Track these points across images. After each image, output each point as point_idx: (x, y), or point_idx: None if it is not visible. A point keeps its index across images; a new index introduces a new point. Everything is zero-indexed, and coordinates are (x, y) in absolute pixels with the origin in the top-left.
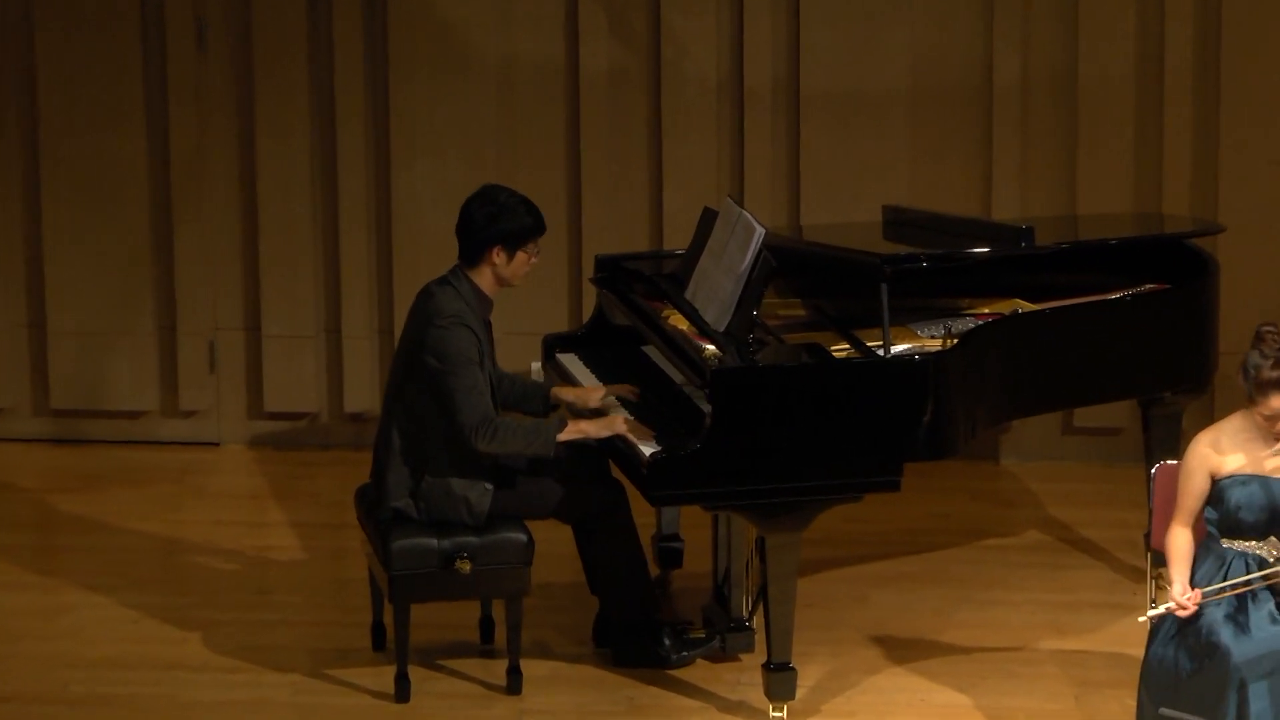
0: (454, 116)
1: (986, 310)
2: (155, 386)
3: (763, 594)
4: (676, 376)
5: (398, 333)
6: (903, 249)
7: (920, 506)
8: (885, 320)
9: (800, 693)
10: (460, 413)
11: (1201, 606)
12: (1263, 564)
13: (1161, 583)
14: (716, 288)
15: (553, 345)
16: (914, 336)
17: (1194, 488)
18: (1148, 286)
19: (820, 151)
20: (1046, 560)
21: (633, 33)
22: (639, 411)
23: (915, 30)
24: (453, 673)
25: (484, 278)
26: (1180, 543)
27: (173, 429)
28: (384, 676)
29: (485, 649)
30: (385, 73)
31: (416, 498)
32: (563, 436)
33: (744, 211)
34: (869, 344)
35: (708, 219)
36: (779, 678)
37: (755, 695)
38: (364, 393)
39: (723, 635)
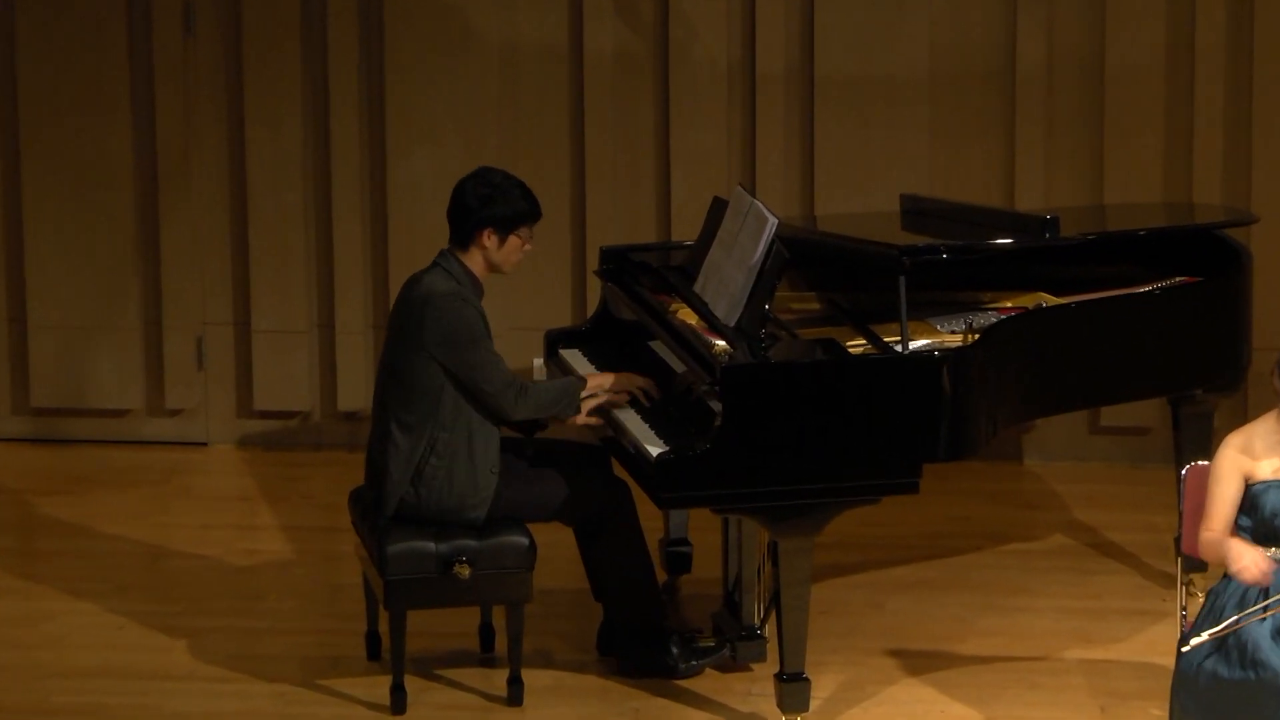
0: (453, 102)
1: (1009, 304)
2: (140, 384)
3: (775, 601)
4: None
5: None
6: (922, 240)
7: (939, 509)
8: (903, 315)
9: (814, 704)
10: (487, 383)
11: (1243, 620)
12: None
13: (1193, 590)
14: (727, 281)
15: (555, 341)
16: (933, 332)
17: (1228, 493)
18: (1178, 279)
19: (835, 138)
20: (1071, 565)
21: (640, 14)
22: (644, 409)
23: (935, 12)
24: (451, 683)
25: (475, 261)
26: (1216, 539)
27: (159, 428)
28: (379, 687)
29: (485, 658)
30: (381, 56)
31: (418, 484)
32: (585, 392)
33: (756, 201)
34: (886, 339)
35: (718, 209)
36: (792, 688)
37: (767, 706)
38: (358, 390)
39: (733, 644)
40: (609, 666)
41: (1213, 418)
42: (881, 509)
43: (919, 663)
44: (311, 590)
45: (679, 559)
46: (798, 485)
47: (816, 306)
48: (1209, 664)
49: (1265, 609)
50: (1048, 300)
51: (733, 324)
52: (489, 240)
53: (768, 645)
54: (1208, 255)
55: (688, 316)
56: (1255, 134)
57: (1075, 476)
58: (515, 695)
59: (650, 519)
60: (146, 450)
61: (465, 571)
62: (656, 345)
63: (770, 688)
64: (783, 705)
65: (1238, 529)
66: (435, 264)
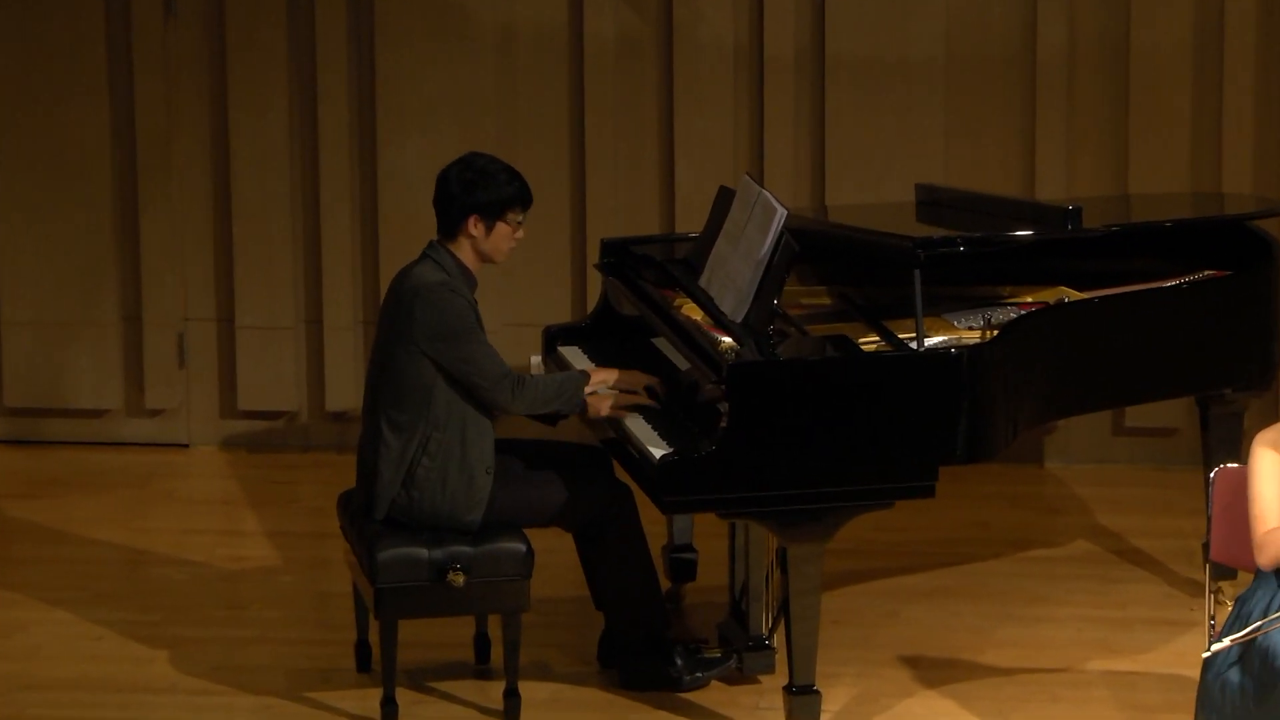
0: (447, 87)
1: (1029, 299)
2: (119, 383)
3: (784, 610)
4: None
5: None
6: (938, 232)
7: (957, 514)
8: (918, 310)
9: (825, 718)
10: (481, 376)
11: (1266, 626)
12: None
13: (1222, 598)
14: (733, 274)
15: (554, 337)
16: (950, 328)
17: (1272, 490)
18: (1206, 273)
19: (847, 125)
20: (1095, 573)
21: None
22: (647, 409)
23: None
24: (444, 696)
25: (464, 251)
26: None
27: (138, 429)
28: (369, 700)
29: (480, 669)
30: (371, 39)
31: (410, 487)
32: (589, 388)
33: (764, 191)
34: (900, 336)
35: (724, 199)
36: (802, 701)
37: None
38: (347, 390)
39: (740, 655)
40: (610, 679)
41: (1242, 418)
42: (896, 514)
43: (935, 675)
44: (298, 599)
45: (683, 566)
46: (807, 488)
47: (827, 301)
48: (1231, 674)
49: None
50: (1070, 295)
51: (739, 320)
52: (475, 228)
53: (776, 656)
54: (1237, 248)
55: (692, 312)
56: None
57: (1099, 480)
58: (512, 709)
59: (653, 524)
60: (125, 452)
61: (459, 579)
62: (660, 342)
63: (779, 701)
64: (792, 719)
65: None
66: (424, 255)
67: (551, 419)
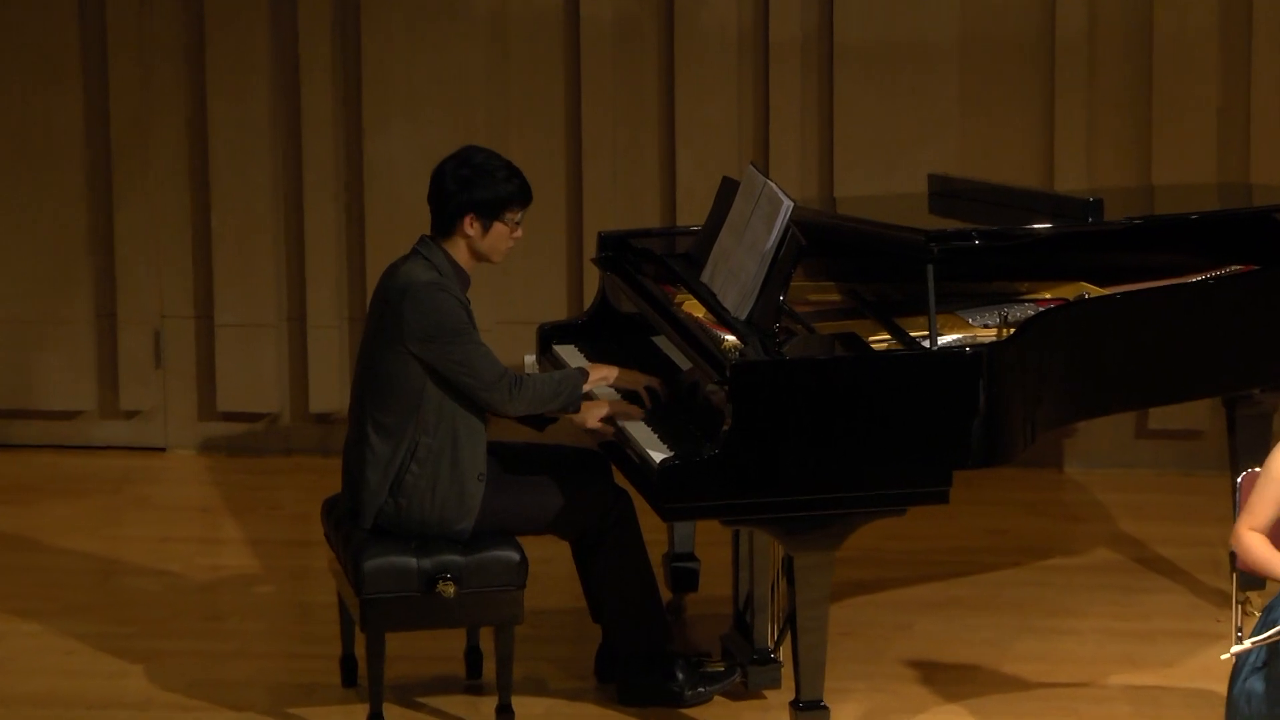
0: (436, 72)
1: (1048, 295)
2: (92, 383)
3: (790, 622)
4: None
5: None
6: (951, 224)
7: (972, 521)
8: (931, 307)
9: None
10: (475, 378)
11: None
12: None
13: (1249, 608)
14: (737, 269)
15: (549, 335)
16: (964, 325)
17: (1274, 495)
18: (1233, 268)
19: (857, 112)
20: (1117, 583)
21: None
22: (647, 411)
23: None
24: (434, 712)
25: (459, 250)
26: (1258, 540)
27: (112, 432)
28: (355, 716)
29: (471, 685)
30: (357, 21)
31: (397, 494)
32: (587, 386)
33: (769, 181)
34: (912, 334)
35: (727, 190)
36: (809, 718)
37: None
38: (331, 391)
39: (744, 669)
40: (608, 695)
41: (1271, 419)
42: (908, 521)
43: (949, 690)
44: (280, 610)
45: (685, 576)
46: (815, 494)
47: (836, 298)
48: (1254, 682)
49: None
50: (1090, 291)
51: (744, 317)
52: (472, 227)
53: (782, 671)
54: (1266, 241)
55: (694, 309)
56: None
57: (1121, 485)
58: None
59: (653, 531)
60: (99, 456)
61: (450, 589)
62: (660, 340)
63: (785, 717)
64: None
65: None
66: (415, 252)
67: (539, 422)
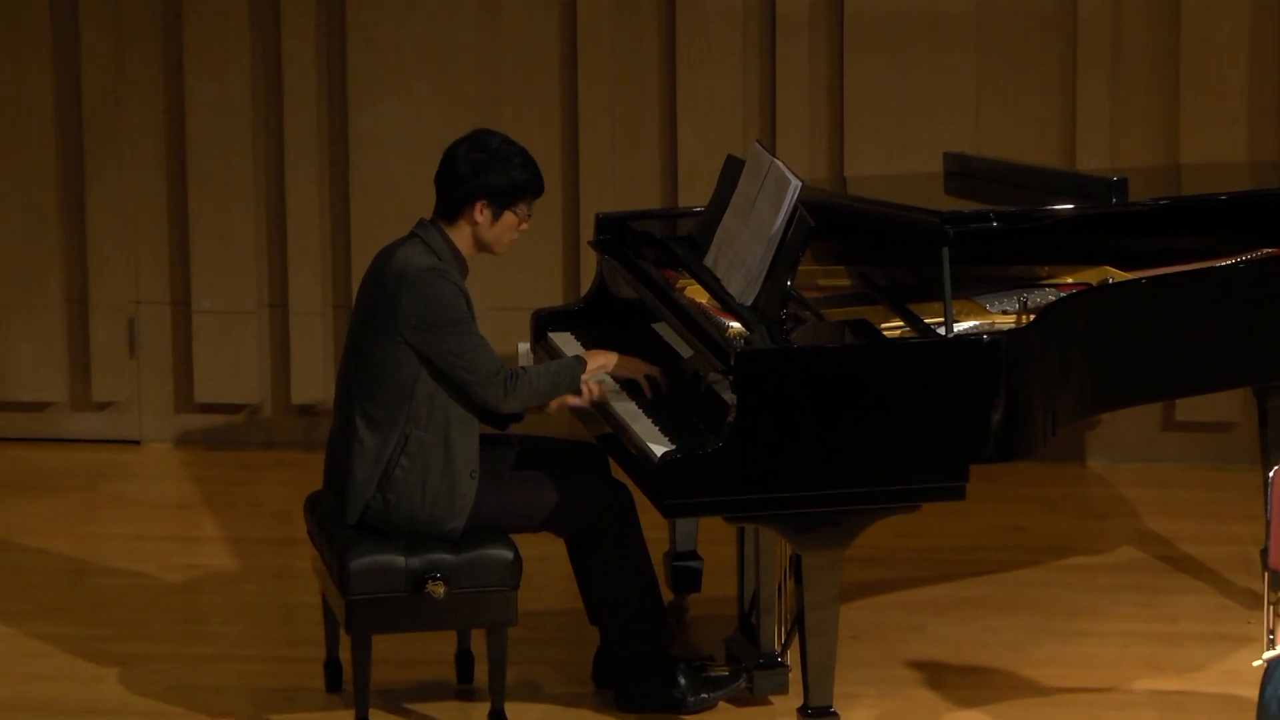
0: (425, 45)
1: (1070, 280)
2: (63, 373)
3: (798, 624)
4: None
5: None
6: (968, 205)
7: (989, 519)
8: (947, 292)
9: None
10: (470, 372)
11: None
12: None
13: None
14: (742, 253)
15: (544, 322)
16: (982, 312)
17: None
18: (1265, 251)
19: (868, 87)
20: (1142, 583)
21: None
22: (647, 402)
23: None
24: (423, 718)
25: (462, 237)
26: None
27: (84, 424)
28: None
29: (463, 690)
30: None
31: (385, 489)
32: (586, 375)
33: (776, 160)
34: (927, 321)
35: (732, 170)
36: None
37: None
38: (315, 381)
39: (750, 673)
40: (606, 700)
41: None
42: (922, 517)
43: (965, 696)
44: (262, 612)
45: (687, 575)
46: (824, 489)
47: (846, 283)
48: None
49: None
50: (1115, 275)
51: (749, 303)
52: (481, 215)
53: (790, 675)
54: None
55: (697, 294)
56: None
57: (1146, 480)
58: None
59: (654, 529)
60: (70, 450)
61: (440, 590)
62: (661, 327)
63: None
64: None
65: None
66: (413, 235)
67: (501, 421)
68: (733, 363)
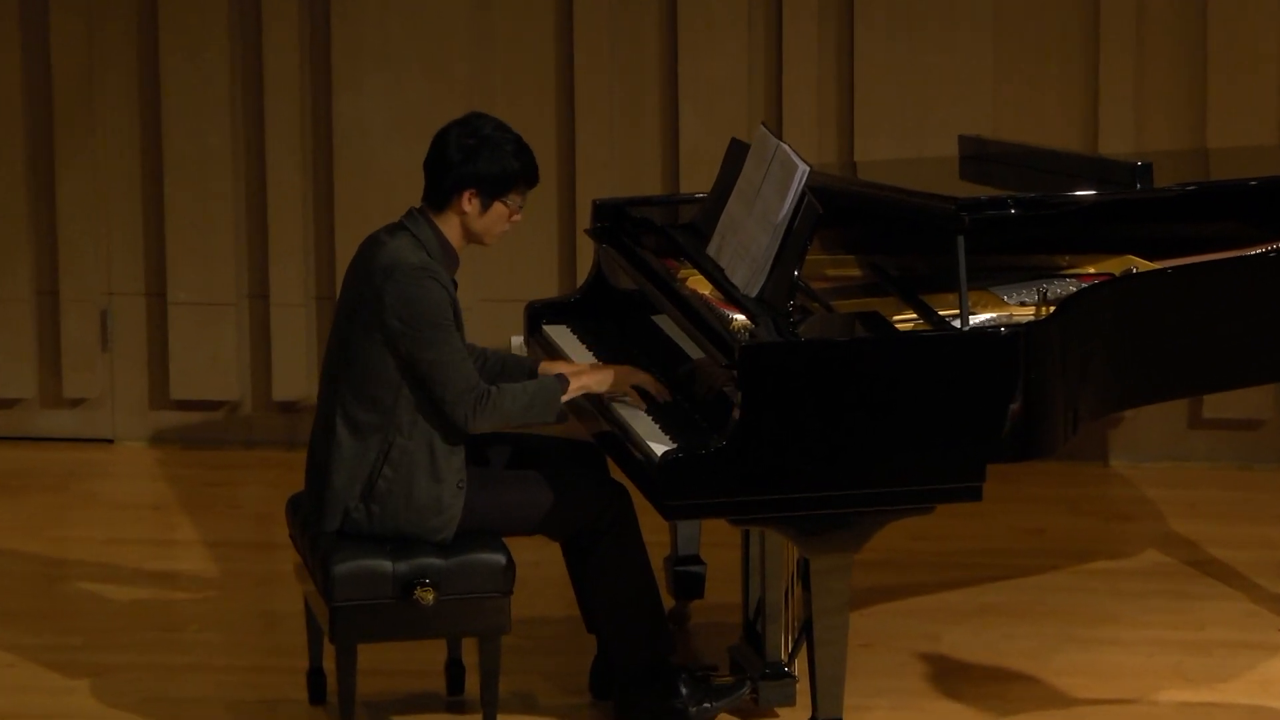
0: (413, 22)
1: (1092, 270)
2: (32, 368)
3: (806, 632)
4: (696, 354)
5: None
6: (985, 192)
7: (1007, 520)
8: (962, 283)
9: None
10: (447, 388)
11: None
12: None
13: None
14: (747, 242)
15: (539, 314)
16: (999, 303)
17: None
18: None
19: (879, 68)
20: (1168, 588)
21: None
22: (650, 401)
23: None
24: None
25: (451, 227)
26: None
27: (55, 422)
28: None
29: (453, 702)
30: None
31: (369, 500)
32: (566, 397)
33: (782, 144)
34: (941, 313)
35: (736, 154)
36: None
37: None
38: (297, 376)
39: (755, 683)
40: (604, 712)
41: None
42: (936, 519)
43: (982, 707)
44: (242, 619)
45: (689, 580)
46: (833, 490)
47: (856, 273)
48: None
49: None
50: (1139, 265)
51: (754, 294)
52: (469, 204)
53: (797, 686)
54: None
55: (699, 285)
56: None
57: (1172, 480)
58: None
59: (654, 532)
60: (39, 448)
61: (429, 596)
62: (660, 320)
63: None
64: None
65: None
66: (402, 225)
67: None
68: (737, 356)
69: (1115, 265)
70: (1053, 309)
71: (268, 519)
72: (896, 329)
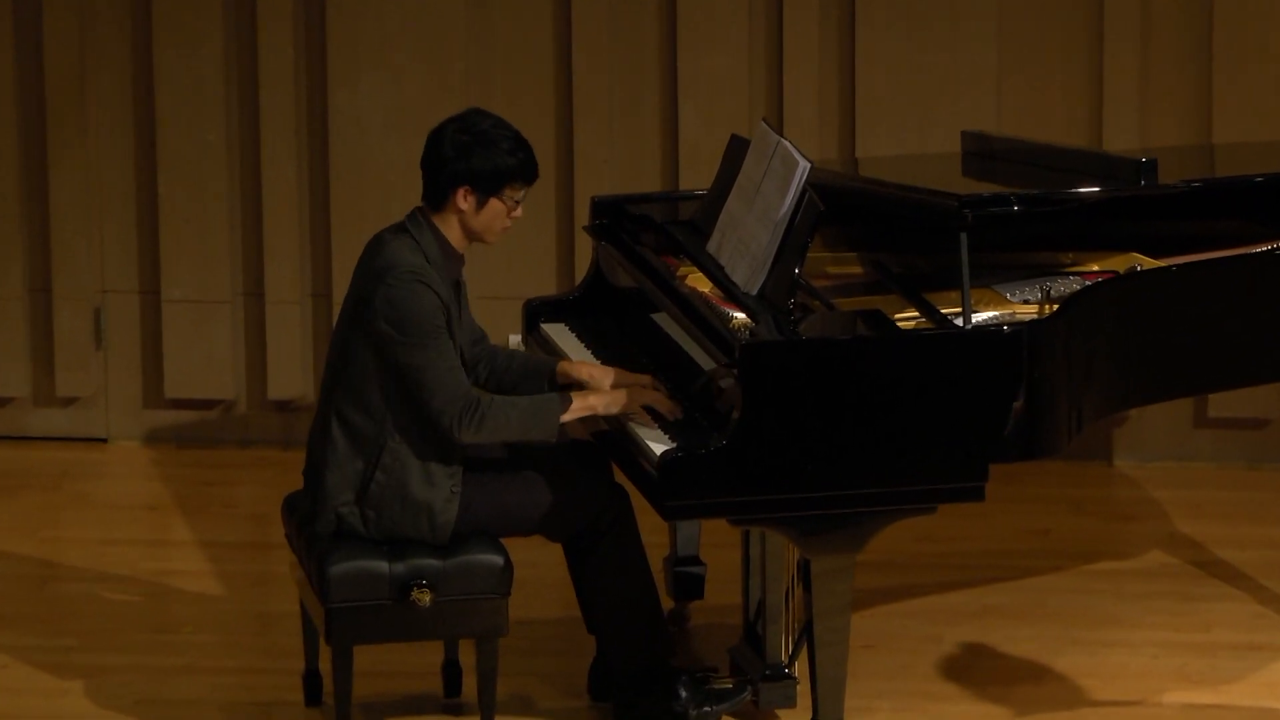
0: (410, 18)
1: (1096, 267)
2: (25, 366)
3: (807, 633)
4: (696, 353)
5: (337, 296)
6: (988, 188)
7: (1011, 521)
8: (965, 280)
9: None
10: (434, 396)
11: None
12: None
13: None
14: (747, 239)
15: (537, 312)
16: (1002, 301)
17: None
18: None
19: (881, 64)
20: (1173, 589)
21: None
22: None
23: None
24: None
25: (450, 227)
26: None
27: (47, 421)
28: None
29: (450, 704)
30: None
31: (364, 504)
32: (567, 416)
33: (783, 140)
34: (944, 311)
35: (736, 150)
36: None
37: None
38: (293, 374)
39: (756, 686)
40: (603, 714)
41: None
42: (939, 520)
43: (985, 709)
44: (237, 621)
45: (689, 581)
46: (834, 491)
47: (858, 270)
48: None
49: None
50: (1143, 262)
51: (755, 292)
52: (465, 201)
53: (798, 688)
54: None
55: (699, 283)
56: None
57: (1177, 480)
58: None
59: (654, 533)
60: (32, 448)
61: (425, 597)
62: (660, 318)
63: None
64: None
65: None
66: (404, 227)
67: None
68: (737, 355)
69: (1119, 263)
70: (1056, 307)
71: (263, 519)
72: (898, 327)
